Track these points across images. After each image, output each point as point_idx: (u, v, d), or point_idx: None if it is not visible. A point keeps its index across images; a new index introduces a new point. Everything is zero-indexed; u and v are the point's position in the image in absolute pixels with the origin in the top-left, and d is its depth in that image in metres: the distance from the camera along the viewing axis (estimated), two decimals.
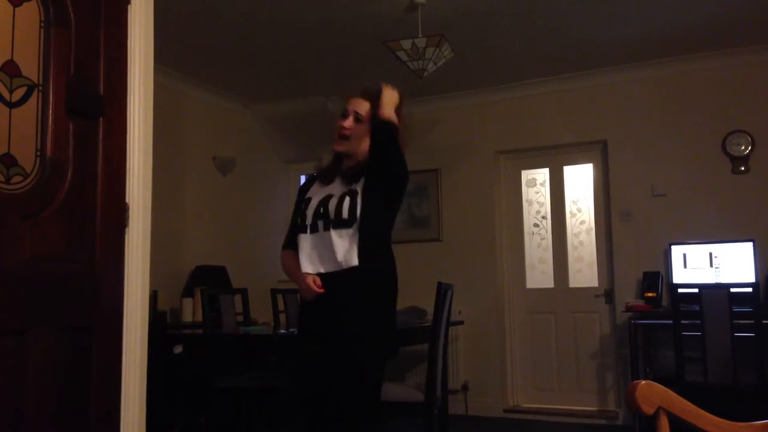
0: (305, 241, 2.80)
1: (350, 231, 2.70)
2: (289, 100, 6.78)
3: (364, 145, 2.81)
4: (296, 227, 2.88)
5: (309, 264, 2.78)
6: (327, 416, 2.73)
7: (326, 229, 2.74)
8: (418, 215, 6.85)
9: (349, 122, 2.82)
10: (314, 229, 2.78)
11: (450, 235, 6.67)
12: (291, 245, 2.92)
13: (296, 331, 2.92)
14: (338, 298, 2.72)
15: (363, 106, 2.83)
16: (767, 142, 5.58)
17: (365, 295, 2.73)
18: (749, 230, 5.43)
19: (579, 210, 6.49)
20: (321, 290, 2.72)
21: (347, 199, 2.72)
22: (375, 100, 2.82)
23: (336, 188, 2.81)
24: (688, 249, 5.49)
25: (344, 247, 2.70)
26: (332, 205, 2.75)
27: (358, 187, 2.75)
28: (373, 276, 2.75)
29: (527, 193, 6.73)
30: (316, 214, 2.78)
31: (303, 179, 7.62)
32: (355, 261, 2.69)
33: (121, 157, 2.61)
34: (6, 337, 2.15)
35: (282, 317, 5.58)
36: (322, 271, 2.76)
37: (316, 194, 2.86)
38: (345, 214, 2.70)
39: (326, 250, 2.74)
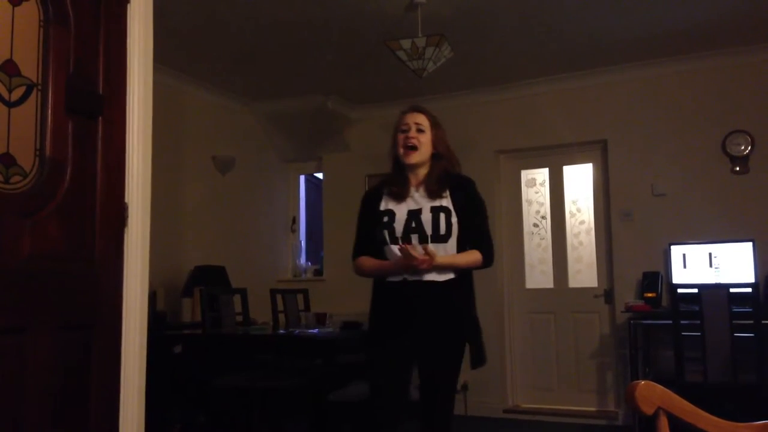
0: (394, 251, 2.92)
1: (446, 246, 2.92)
2: (288, 99, 6.78)
3: (428, 153, 3.02)
4: (375, 240, 3.00)
5: (403, 273, 2.91)
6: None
7: (422, 242, 2.89)
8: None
9: (413, 133, 3.00)
10: (406, 242, 2.89)
11: None
12: (365, 252, 3.06)
13: (374, 332, 3.06)
14: (431, 306, 2.90)
15: (419, 118, 3.04)
16: (767, 142, 5.58)
17: (463, 303, 3.01)
18: (749, 230, 5.42)
19: (579, 210, 6.49)
20: (426, 257, 2.82)
21: (442, 216, 2.92)
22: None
23: (419, 202, 2.97)
24: (687, 249, 5.49)
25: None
26: (426, 220, 2.91)
27: (449, 204, 2.95)
28: (467, 286, 3.04)
29: (527, 192, 6.73)
30: (408, 228, 2.92)
31: (303, 179, 7.69)
32: (451, 273, 2.94)
33: (121, 156, 2.62)
34: (5, 335, 2.16)
35: (281, 317, 5.58)
36: (412, 279, 2.90)
37: (398, 208, 2.98)
38: (442, 229, 2.91)
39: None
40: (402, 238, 2.91)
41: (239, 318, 5.37)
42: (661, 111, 5.95)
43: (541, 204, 6.65)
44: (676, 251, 5.52)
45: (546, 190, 6.63)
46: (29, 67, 2.31)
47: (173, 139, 5.92)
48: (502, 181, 6.74)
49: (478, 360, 2.99)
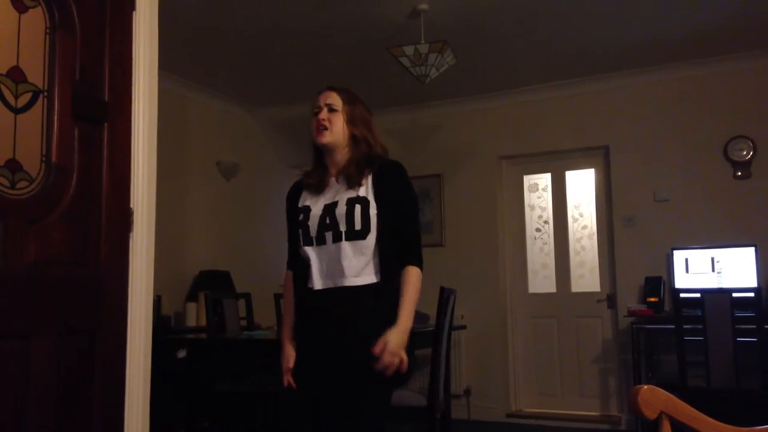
0: (310, 254, 2.55)
1: (364, 243, 2.49)
2: (292, 105, 6.79)
3: (345, 133, 2.64)
4: (296, 242, 2.63)
5: (320, 278, 2.53)
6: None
7: (336, 241, 2.50)
8: (421, 220, 6.84)
9: (324, 114, 2.66)
10: (321, 242, 2.53)
11: (452, 239, 6.67)
12: (291, 264, 2.72)
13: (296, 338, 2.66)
14: (353, 313, 2.48)
15: (331, 97, 2.70)
16: None
17: (383, 314, 2.47)
18: (751, 235, 5.43)
19: (581, 215, 6.49)
20: (287, 383, 2.60)
21: (358, 208, 2.50)
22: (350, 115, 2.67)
23: (337, 194, 2.57)
24: (690, 254, 5.49)
25: (359, 262, 2.50)
26: (340, 214, 2.51)
27: (366, 194, 2.53)
28: (393, 291, 2.50)
29: (529, 198, 6.73)
30: (322, 225, 2.53)
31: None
32: (373, 276, 2.50)
33: (126, 162, 2.63)
34: (11, 340, 2.16)
35: None
36: (334, 285, 2.51)
37: (314, 202, 2.61)
38: (358, 224, 2.48)
39: (337, 265, 2.49)
40: (317, 237, 2.52)
41: (243, 322, 5.37)
42: (663, 116, 5.96)
43: (544, 209, 6.66)
44: (679, 256, 5.52)
45: (548, 196, 6.64)
46: (35, 74, 2.32)
47: (178, 144, 5.93)
48: (504, 186, 6.74)
49: (398, 379, 2.48)
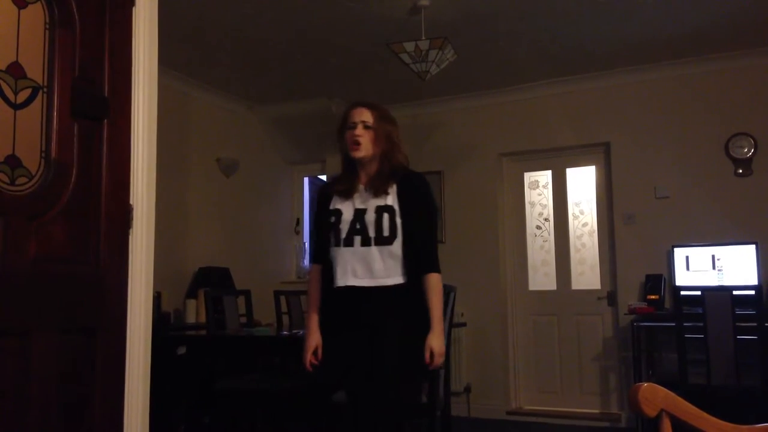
0: (340, 254, 2.85)
1: (391, 248, 2.81)
2: (292, 102, 6.79)
3: (377, 148, 2.93)
4: (325, 241, 2.92)
5: (347, 276, 2.83)
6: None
7: (365, 245, 2.81)
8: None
9: (359, 130, 2.91)
10: (349, 244, 2.83)
11: (453, 237, 6.67)
12: (319, 259, 2.99)
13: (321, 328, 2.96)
14: (380, 311, 2.80)
15: (365, 114, 2.95)
16: None
17: (409, 313, 2.83)
18: (752, 233, 5.42)
19: (582, 212, 6.49)
20: (309, 365, 2.91)
21: (386, 217, 2.82)
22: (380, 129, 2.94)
23: (366, 200, 2.88)
24: (690, 251, 5.49)
25: (388, 265, 2.82)
26: (370, 221, 2.82)
27: (394, 203, 2.84)
28: (418, 291, 2.85)
29: (530, 195, 6.73)
30: (352, 229, 2.84)
31: (307, 181, 7.70)
32: (400, 278, 2.82)
33: (126, 158, 2.63)
34: (10, 337, 2.16)
35: (285, 318, 5.58)
36: (364, 285, 2.81)
37: (345, 207, 2.90)
38: (386, 231, 2.81)
39: (368, 266, 2.81)
40: (345, 240, 2.83)
41: (243, 319, 5.37)
42: (664, 114, 5.95)
43: (544, 206, 6.65)
44: (679, 253, 5.52)
45: (549, 193, 6.63)
46: (35, 70, 2.32)
47: (178, 141, 5.93)
48: (505, 183, 6.74)
49: (426, 372, 2.92)
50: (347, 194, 2.91)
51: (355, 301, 2.81)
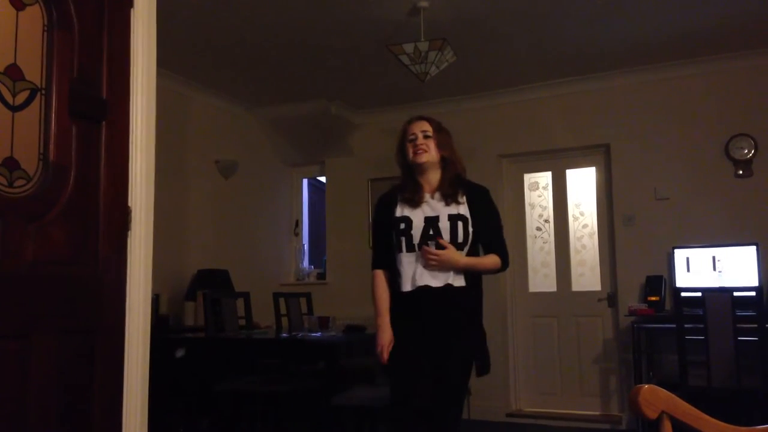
0: (409, 260, 3.01)
1: (462, 253, 2.99)
2: (291, 104, 6.79)
3: (437, 155, 3.11)
4: (390, 247, 3.07)
5: (417, 278, 2.98)
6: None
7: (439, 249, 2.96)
8: None
9: (421, 140, 3.10)
10: (423, 247, 2.98)
11: None
12: (383, 264, 3.15)
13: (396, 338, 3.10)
14: (445, 313, 2.98)
15: (424, 125, 3.15)
16: None
17: (472, 310, 3.07)
18: (752, 234, 5.42)
19: (582, 214, 6.48)
20: (386, 358, 3.04)
21: (460, 224, 3.00)
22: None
23: (436, 208, 3.04)
24: (691, 253, 5.49)
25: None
26: (444, 228, 2.99)
27: (466, 213, 3.04)
28: (477, 293, 3.09)
29: (530, 196, 6.73)
30: (425, 236, 2.99)
31: (306, 183, 7.70)
32: (462, 282, 3.00)
33: (124, 160, 2.62)
34: (9, 340, 2.16)
35: (284, 321, 5.58)
36: (424, 285, 2.97)
37: (414, 214, 3.05)
38: (460, 237, 2.99)
39: (440, 269, 2.97)
40: (419, 245, 2.98)
41: (242, 322, 5.37)
42: (664, 115, 5.95)
43: (544, 208, 6.65)
44: (680, 255, 5.51)
45: (549, 194, 6.63)
46: (33, 72, 2.31)
47: (176, 143, 5.93)
48: (505, 184, 6.74)
49: (483, 368, 3.07)
50: (415, 203, 3.07)
51: (423, 303, 2.98)
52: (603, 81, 6.16)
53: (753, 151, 5.60)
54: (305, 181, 7.79)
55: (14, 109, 2.24)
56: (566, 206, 6.53)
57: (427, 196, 3.09)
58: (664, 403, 1.33)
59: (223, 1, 4.61)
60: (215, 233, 6.44)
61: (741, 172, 5.65)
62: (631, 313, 5.37)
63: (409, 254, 3.01)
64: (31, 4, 2.32)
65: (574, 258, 6.46)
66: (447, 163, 3.12)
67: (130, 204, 2.63)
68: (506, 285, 6.57)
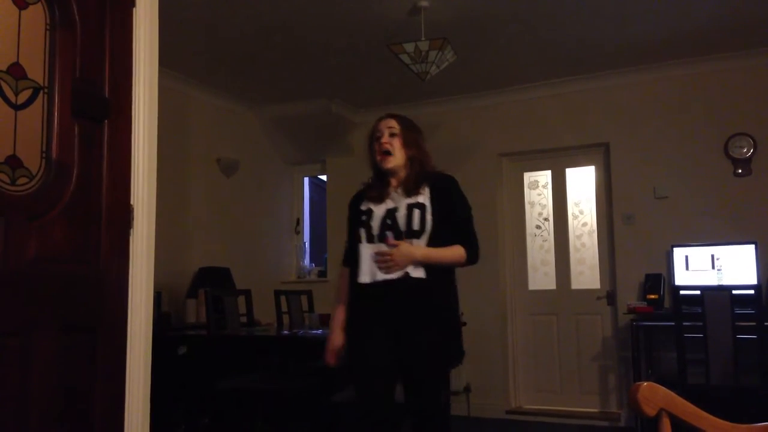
0: (369, 250, 2.96)
1: (419, 242, 2.91)
2: (292, 103, 6.80)
3: (405, 154, 3.07)
4: (355, 240, 3.04)
5: (369, 274, 2.94)
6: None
7: (397, 239, 2.91)
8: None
9: (386, 138, 3.08)
10: (382, 240, 2.95)
11: None
12: (349, 263, 3.09)
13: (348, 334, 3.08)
14: (404, 306, 2.90)
15: (391, 122, 3.13)
16: None
17: (438, 300, 2.95)
18: (751, 232, 5.43)
19: (581, 212, 6.49)
20: (331, 362, 3.05)
21: (416, 212, 2.93)
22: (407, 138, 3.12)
23: (397, 201, 3.00)
24: (690, 251, 5.50)
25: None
26: (401, 216, 2.94)
27: (425, 201, 2.96)
28: (442, 283, 2.97)
29: (530, 195, 6.74)
30: (383, 225, 2.96)
31: (307, 181, 7.71)
32: (422, 273, 2.90)
33: (126, 159, 2.63)
34: (11, 337, 2.16)
35: (285, 318, 5.59)
36: (382, 279, 2.91)
37: (377, 207, 3.03)
38: (416, 225, 2.91)
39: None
40: (378, 236, 2.95)
41: (243, 319, 5.37)
42: (663, 114, 5.96)
43: (544, 206, 6.66)
44: (679, 253, 5.52)
45: (549, 193, 6.64)
46: (36, 70, 2.32)
47: (178, 141, 5.93)
48: (504, 183, 6.75)
49: (449, 362, 3.02)
50: (379, 199, 3.05)
51: (381, 295, 2.92)
52: (602, 80, 6.17)
53: (752, 150, 5.61)
54: (306, 180, 7.79)
55: (17, 107, 2.25)
56: (566, 205, 6.54)
57: (392, 191, 3.06)
58: (663, 400, 1.34)
59: (224, 0, 4.61)
60: (217, 231, 6.44)
61: (740, 171, 5.66)
62: (630, 311, 5.37)
63: (368, 245, 2.97)
64: (33, 3, 2.33)
65: (573, 256, 6.47)
66: (414, 161, 3.07)
67: (132, 202, 2.64)
68: (506, 283, 6.58)
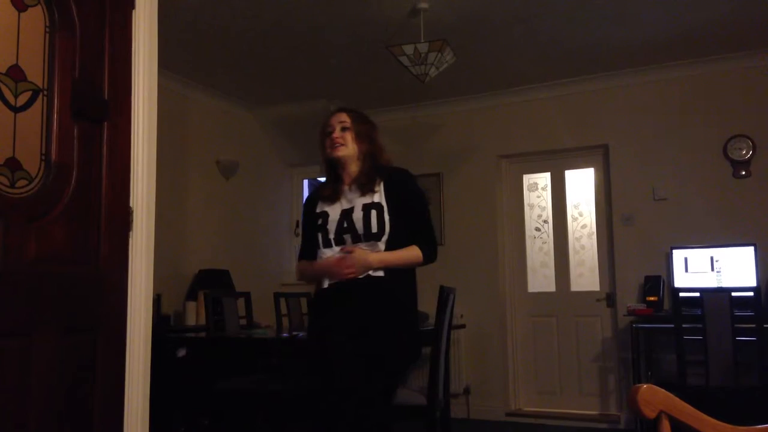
0: (327, 255, 2.91)
1: (380, 244, 2.84)
2: (292, 104, 6.80)
3: (357, 147, 3.00)
4: (313, 242, 2.98)
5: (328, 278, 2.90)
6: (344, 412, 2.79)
7: (355, 242, 2.86)
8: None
9: (337, 132, 3.00)
10: (340, 243, 2.89)
11: (452, 239, 6.67)
12: (307, 256, 3.05)
13: (308, 330, 3.08)
14: (364, 305, 2.84)
15: (342, 116, 3.04)
16: None
17: (390, 303, 2.87)
18: (750, 234, 5.43)
19: (580, 214, 6.49)
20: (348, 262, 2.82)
21: (373, 213, 2.85)
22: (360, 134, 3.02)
23: (352, 200, 2.93)
24: (689, 253, 5.50)
25: None
26: (357, 218, 2.86)
27: (381, 200, 2.88)
28: (398, 286, 2.90)
29: (529, 197, 6.73)
30: (340, 229, 2.89)
31: (306, 183, 7.70)
32: (381, 272, 2.84)
33: (126, 160, 2.63)
34: (11, 338, 2.17)
35: (285, 320, 5.58)
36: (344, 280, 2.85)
37: (332, 209, 2.96)
38: (374, 227, 2.84)
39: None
40: (335, 239, 2.89)
41: (243, 321, 5.37)
42: (662, 116, 5.96)
43: (543, 208, 6.66)
44: (678, 255, 5.52)
45: (548, 195, 6.64)
46: (35, 72, 2.32)
47: (178, 143, 5.93)
48: (504, 185, 6.75)
49: (403, 358, 2.93)
50: (332, 198, 2.98)
51: (336, 297, 2.87)
52: (602, 82, 6.17)
53: (751, 152, 5.61)
54: (306, 182, 7.79)
55: (16, 109, 2.25)
56: (565, 207, 6.54)
57: (345, 188, 2.98)
58: (663, 402, 1.34)
59: (224, 1, 4.62)
60: (216, 233, 6.44)
61: (740, 172, 5.66)
62: (630, 313, 5.37)
63: (326, 250, 2.91)
64: (32, 5, 2.34)
65: (573, 258, 6.47)
66: (366, 155, 2.99)
67: (131, 204, 2.64)
68: (505, 285, 6.58)
